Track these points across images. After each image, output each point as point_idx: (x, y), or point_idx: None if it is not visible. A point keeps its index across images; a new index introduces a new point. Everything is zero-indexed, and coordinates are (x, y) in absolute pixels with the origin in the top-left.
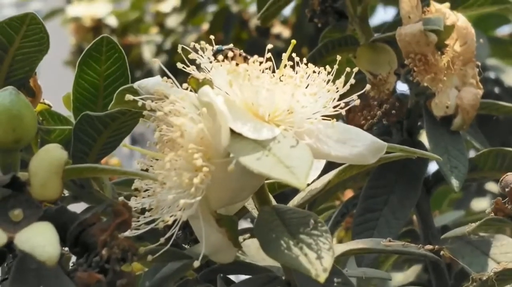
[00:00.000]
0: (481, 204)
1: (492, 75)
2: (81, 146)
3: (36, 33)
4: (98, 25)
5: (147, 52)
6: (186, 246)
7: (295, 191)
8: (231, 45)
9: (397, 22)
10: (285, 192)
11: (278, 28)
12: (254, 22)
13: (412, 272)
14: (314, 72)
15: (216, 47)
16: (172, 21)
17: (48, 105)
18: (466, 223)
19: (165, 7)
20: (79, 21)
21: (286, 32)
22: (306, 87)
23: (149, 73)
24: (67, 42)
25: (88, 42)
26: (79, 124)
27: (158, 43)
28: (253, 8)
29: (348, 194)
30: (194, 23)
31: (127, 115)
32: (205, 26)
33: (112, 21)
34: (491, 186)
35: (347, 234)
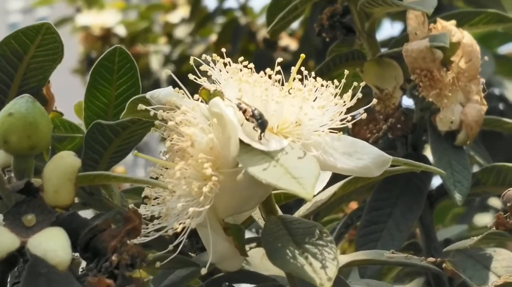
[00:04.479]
0: (484, 219)
1: (496, 91)
2: (92, 154)
3: (51, 42)
4: (106, 34)
5: (154, 62)
6: (192, 255)
7: (298, 202)
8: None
9: (404, 38)
10: (288, 203)
11: (285, 41)
12: (262, 34)
13: (413, 285)
14: (322, 85)
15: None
16: (181, 32)
17: (60, 113)
18: (469, 237)
19: (174, 18)
20: (88, 30)
21: (293, 45)
22: (314, 100)
23: (156, 83)
24: (75, 51)
25: (96, 51)
26: (91, 132)
27: (166, 53)
28: (261, 20)
29: (353, 206)
30: (202, 34)
31: (138, 125)
32: (213, 37)
33: (121, 31)
34: (494, 202)
35: (351, 246)
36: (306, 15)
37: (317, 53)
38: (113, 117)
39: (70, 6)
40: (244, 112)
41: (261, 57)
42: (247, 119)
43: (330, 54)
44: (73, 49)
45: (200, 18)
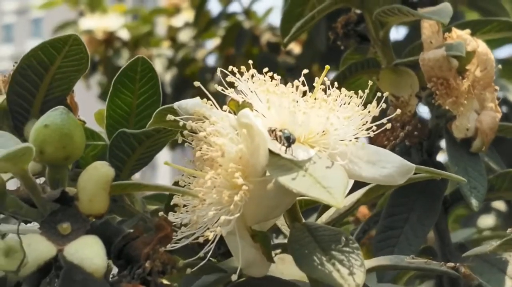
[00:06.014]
0: (487, 221)
1: (499, 94)
2: (115, 162)
3: (77, 53)
4: (110, 38)
5: (158, 65)
6: (213, 260)
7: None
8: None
9: (417, 46)
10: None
11: (289, 45)
12: (266, 37)
13: None
14: (346, 95)
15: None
16: (184, 36)
17: (83, 121)
18: (479, 240)
19: (177, 22)
20: (91, 34)
21: (297, 49)
22: (339, 111)
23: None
24: None
25: (99, 54)
26: (115, 141)
27: (169, 56)
28: (264, 24)
29: (362, 210)
30: (206, 38)
31: (162, 133)
32: (217, 41)
33: (124, 34)
34: (497, 204)
35: (362, 249)
36: None
37: (321, 57)
38: (134, 125)
39: (72, 9)
40: (273, 132)
41: (265, 60)
42: (278, 140)
43: (344, 62)
44: None
45: (204, 22)
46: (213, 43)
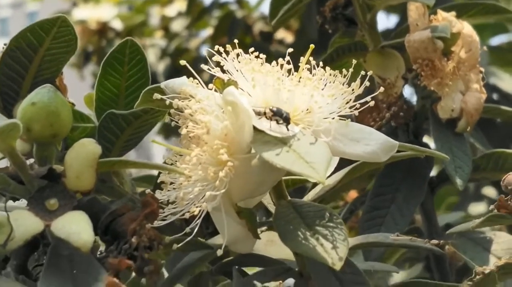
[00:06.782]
0: (478, 208)
1: (490, 81)
2: (104, 143)
3: (66, 34)
4: (103, 28)
5: (151, 55)
6: (202, 239)
7: (297, 191)
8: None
9: (404, 29)
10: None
11: (281, 34)
12: (258, 27)
13: (413, 271)
14: (330, 75)
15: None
16: (177, 25)
17: (72, 103)
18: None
19: (170, 12)
20: (84, 24)
21: (289, 38)
22: (323, 89)
23: (153, 76)
24: None
25: (93, 44)
26: (104, 121)
27: (162, 46)
28: (257, 13)
29: (352, 195)
30: (199, 28)
31: (149, 114)
32: (210, 31)
33: (117, 25)
34: (488, 191)
35: (351, 233)
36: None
37: (314, 45)
38: (123, 107)
39: (66, 0)
40: (265, 114)
41: (258, 49)
42: (271, 119)
43: (332, 45)
44: None
45: (196, 12)
46: (206, 33)
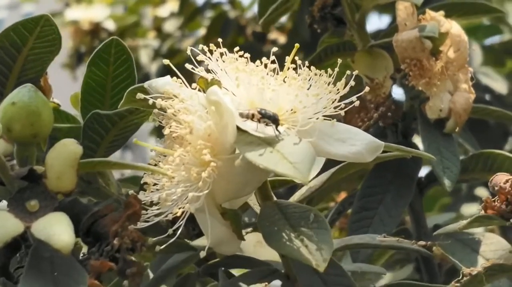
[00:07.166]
0: (471, 209)
1: (483, 82)
2: (89, 143)
3: (49, 34)
4: (95, 29)
5: (144, 56)
6: (188, 241)
7: (289, 191)
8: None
9: (393, 29)
10: (279, 193)
11: (274, 34)
12: (251, 27)
13: (403, 272)
14: (315, 74)
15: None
16: (170, 26)
17: (57, 104)
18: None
19: (163, 12)
20: (77, 25)
21: (282, 38)
22: (309, 89)
23: (146, 77)
24: (64, 45)
25: (85, 45)
26: (89, 122)
27: (155, 47)
28: (250, 13)
29: (343, 196)
30: (191, 28)
31: (134, 114)
32: (202, 31)
33: (110, 25)
34: (481, 192)
35: (341, 234)
36: (294, 9)
37: (306, 46)
38: (109, 108)
39: (58, 1)
40: (253, 116)
41: (250, 50)
42: (259, 122)
43: (321, 45)
44: (62, 44)
45: (189, 12)
46: (199, 34)
